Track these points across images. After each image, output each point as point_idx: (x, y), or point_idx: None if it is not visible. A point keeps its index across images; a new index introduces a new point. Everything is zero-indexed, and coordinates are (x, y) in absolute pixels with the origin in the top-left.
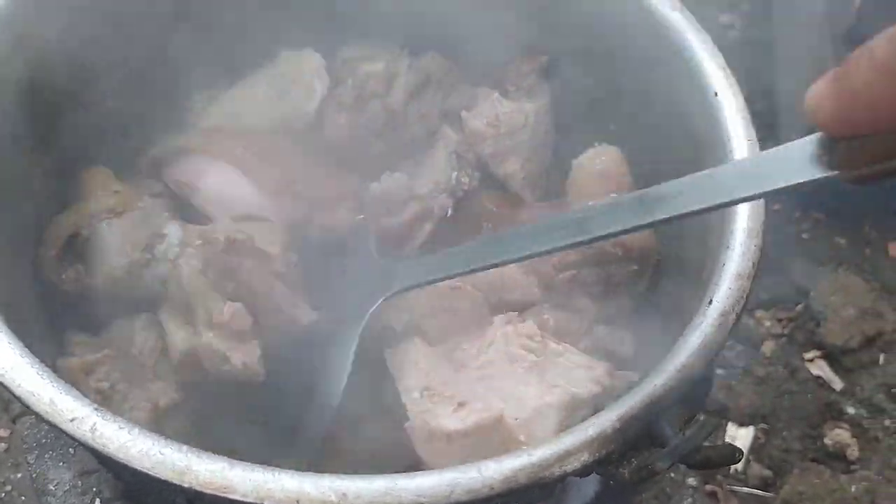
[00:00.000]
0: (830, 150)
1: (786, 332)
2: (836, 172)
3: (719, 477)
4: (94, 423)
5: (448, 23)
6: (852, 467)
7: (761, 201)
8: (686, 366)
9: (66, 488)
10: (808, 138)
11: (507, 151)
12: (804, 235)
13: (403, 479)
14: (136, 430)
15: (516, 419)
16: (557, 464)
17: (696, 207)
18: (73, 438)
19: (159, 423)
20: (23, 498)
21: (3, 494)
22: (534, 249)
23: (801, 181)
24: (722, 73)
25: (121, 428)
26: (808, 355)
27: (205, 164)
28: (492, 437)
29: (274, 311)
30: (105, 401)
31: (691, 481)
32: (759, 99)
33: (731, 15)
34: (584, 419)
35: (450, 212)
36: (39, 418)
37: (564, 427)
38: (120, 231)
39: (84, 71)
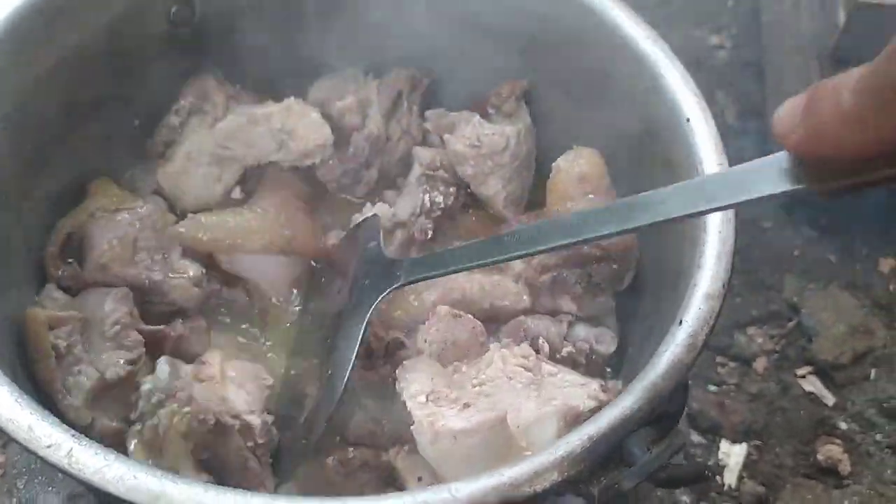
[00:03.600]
0: (800, 165)
1: (778, 348)
2: (804, 186)
3: (713, 494)
4: (71, 449)
5: (431, 53)
6: (845, 482)
7: (731, 226)
8: (655, 385)
9: None
10: (780, 154)
11: (487, 172)
12: (795, 252)
13: (374, 501)
14: (112, 456)
15: (518, 426)
16: (527, 483)
17: (678, 213)
18: (49, 464)
19: (97, 399)
20: None
21: None
22: (528, 248)
23: (773, 192)
24: (694, 99)
25: (96, 454)
26: (800, 371)
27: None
28: (496, 440)
29: (240, 479)
30: (58, 359)
31: (685, 499)
32: (751, 119)
33: (720, 36)
34: None
35: (430, 234)
36: (19, 445)
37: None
38: (109, 226)
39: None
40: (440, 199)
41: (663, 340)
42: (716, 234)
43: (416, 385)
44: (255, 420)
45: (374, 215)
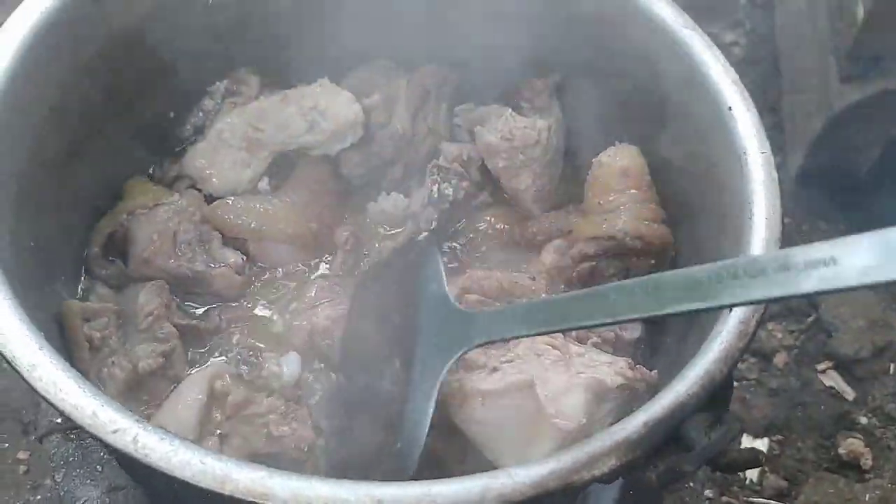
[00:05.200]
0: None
1: (797, 343)
2: None
3: (735, 488)
4: (137, 434)
5: (463, 45)
6: (866, 476)
7: (779, 213)
8: (708, 372)
9: None
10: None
11: (519, 166)
12: None
13: (437, 485)
14: (178, 441)
15: (546, 394)
16: (586, 468)
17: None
18: (114, 449)
19: (132, 390)
20: None
21: None
22: (616, 316)
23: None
24: (736, 87)
25: (162, 439)
26: (820, 366)
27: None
28: (525, 406)
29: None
30: (92, 350)
31: (708, 493)
32: (766, 115)
33: (735, 33)
34: (610, 413)
35: (433, 224)
36: (84, 431)
37: (591, 411)
38: (149, 221)
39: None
40: (449, 191)
41: (713, 328)
42: (762, 221)
43: None
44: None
45: (431, 246)
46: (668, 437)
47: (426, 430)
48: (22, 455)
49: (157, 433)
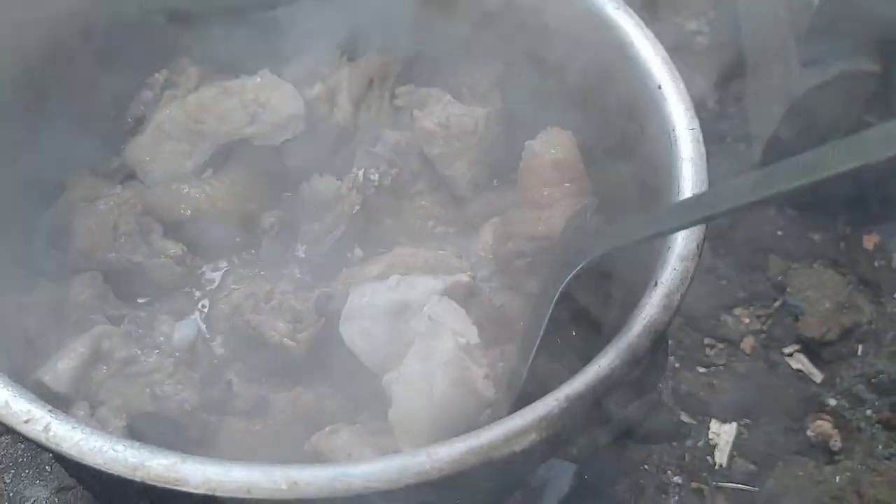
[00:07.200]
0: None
1: (765, 327)
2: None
3: (704, 473)
4: (48, 424)
5: (403, 33)
6: (836, 458)
7: (705, 182)
8: (631, 346)
9: None
10: None
11: (455, 154)
12: (779, 232)
13: (352, 465)
14: (89, 430)
15: None
16: (506, 444)
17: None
18: (27, 438)
19: (86, 376)
20: None
21: None
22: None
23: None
24: (665, 66)
25: (73, 427)
26: (788, 350)
27: None
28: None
29: None
30: (27, 344)
31: (677, 479)
32: (731, 102)
33: (698, 22)
34: None
35: (356, 209)
36: None
37: None
38: (90, 214)
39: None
40: (375, 176)
41: (638, 303)
42: (687, 195)
43: None
44: None
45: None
46: (588, 412)
47: (539, 334)
48: None
49: (69, 422)
